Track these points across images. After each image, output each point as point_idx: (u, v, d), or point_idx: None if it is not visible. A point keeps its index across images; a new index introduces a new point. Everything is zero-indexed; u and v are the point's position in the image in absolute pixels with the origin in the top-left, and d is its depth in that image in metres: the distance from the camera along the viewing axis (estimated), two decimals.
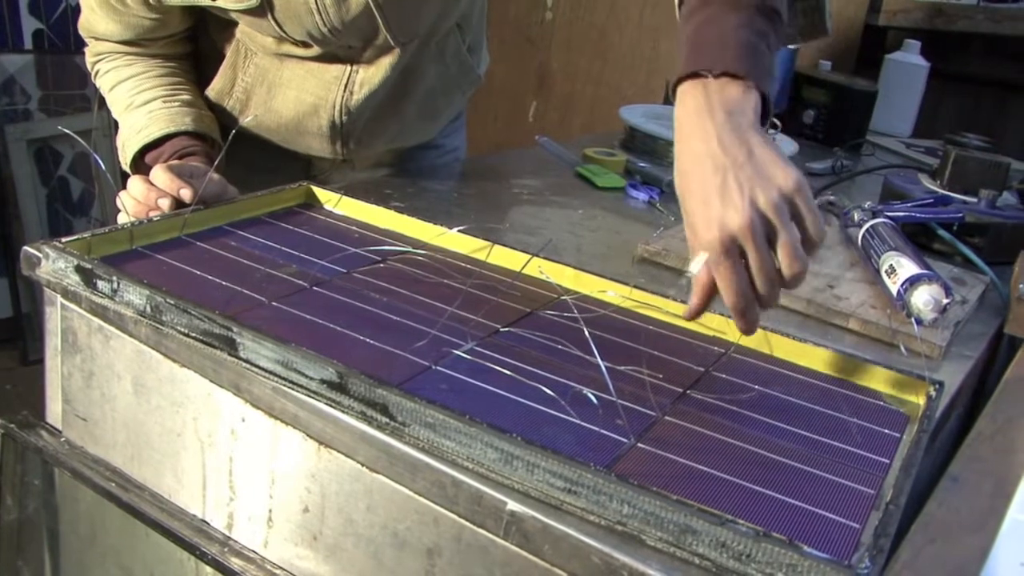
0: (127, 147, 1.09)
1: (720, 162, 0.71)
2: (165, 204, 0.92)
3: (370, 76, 1.12)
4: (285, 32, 1.04)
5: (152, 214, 0.92)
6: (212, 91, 1.15)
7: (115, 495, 0.81)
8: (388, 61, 1.11)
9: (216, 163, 0.98)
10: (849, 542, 0.58)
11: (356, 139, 1.19)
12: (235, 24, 1.10)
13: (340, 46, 1.08)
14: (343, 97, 1.13)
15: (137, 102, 1.10)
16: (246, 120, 1.14)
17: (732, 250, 0.70)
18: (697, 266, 0.73)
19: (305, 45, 1.08)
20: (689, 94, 0.76)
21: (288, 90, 1.13)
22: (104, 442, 0.84)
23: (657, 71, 2.71)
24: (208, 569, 0.79)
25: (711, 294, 0.75)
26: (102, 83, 1.14)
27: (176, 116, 1.09)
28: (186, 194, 0.92)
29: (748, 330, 0.74)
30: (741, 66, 0.75)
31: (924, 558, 0.60)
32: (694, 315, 0.76)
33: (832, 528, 0.59)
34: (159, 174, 0.94)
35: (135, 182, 0.94)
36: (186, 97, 1.12)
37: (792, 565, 0.53)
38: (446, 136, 1.41)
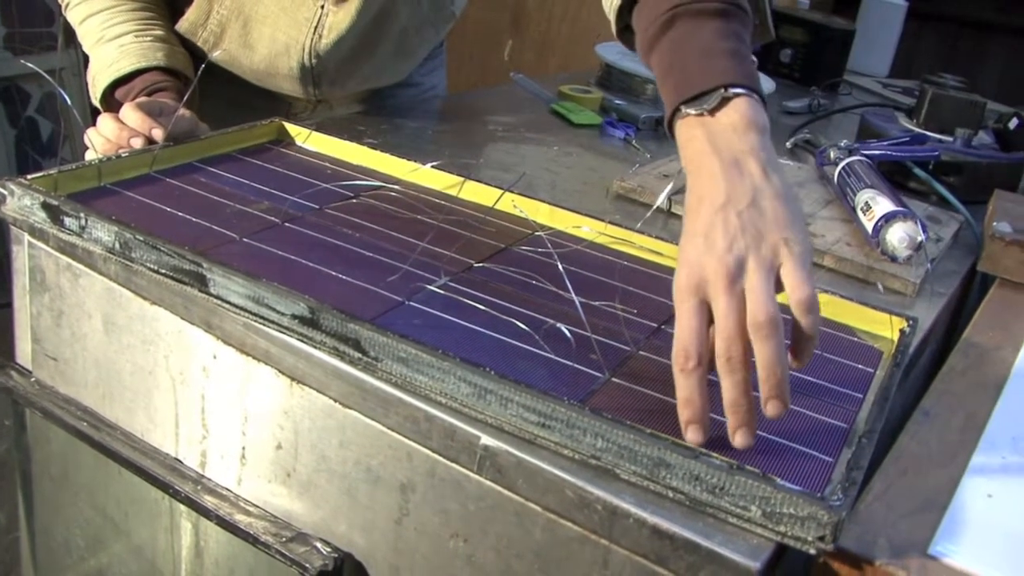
0: (97, 81, 1.06)
1: (719, 203, 0.62)
2: (137, 143, 0.90)
3: (338, 21, 1.10)
4: None
5: (121, 151, 0.90)
6: (185, 22, 1.12)
7: (87, 434, 0.80)
8: (355, 5, 1.09)
9: (186, 99, 0.96)
10: (822, 475, 0.59)
11: (329, 81, 1.17)
12: None
13: None
14: (312, 40, 1.11)
15: (108, 36, 1.07)
16: (217, 54, 1.12)
17: (693, 293, 0.60)
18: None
19: None
20: (692, 135, 0.68)
21: (263, 27, 1.11)
22: (75, 381, 0.83)
23: None
24: (182, 507, 0.79)
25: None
26: (73, 16, 1.11)
27: (147, 51, 1.06)
28: (158, 133, 0.91)
29: (689, 420, 0.59)
30: (738, 81, 0.68)
31: (895, 490, 0.61)
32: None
33: (805, 461, 0.60)
34: (130, 113, 0.92)
35: (105, 121, 0.92)
36: (158, 32, 1.10)
37: (765, 498, 0.53)
38: (424, 75, 1.39)
